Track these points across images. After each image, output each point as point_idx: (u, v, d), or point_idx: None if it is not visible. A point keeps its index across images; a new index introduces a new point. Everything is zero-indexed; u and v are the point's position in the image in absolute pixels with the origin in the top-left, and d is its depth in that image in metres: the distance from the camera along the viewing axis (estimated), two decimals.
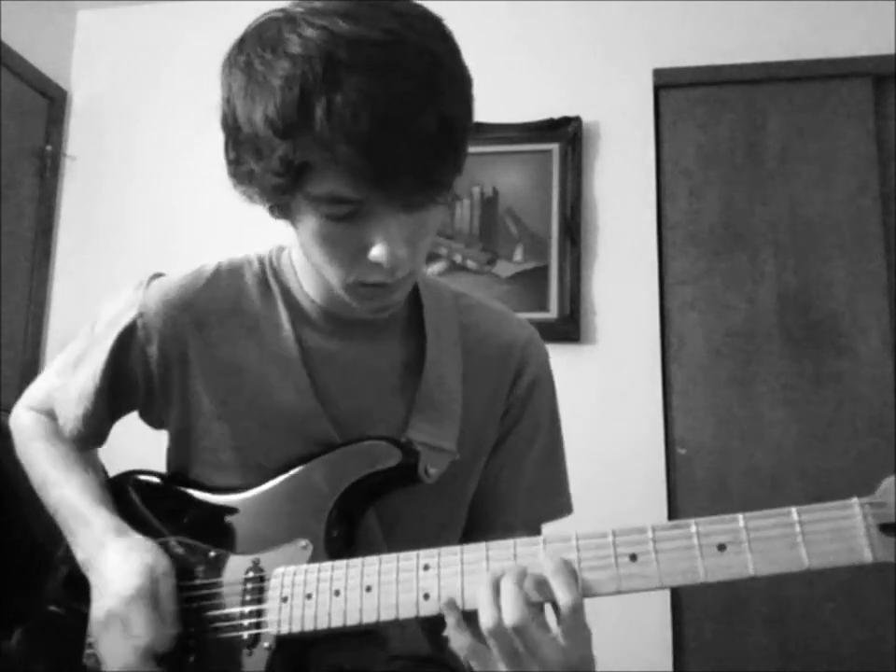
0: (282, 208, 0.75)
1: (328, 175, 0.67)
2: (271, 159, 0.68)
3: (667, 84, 2.63)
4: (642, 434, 2.43)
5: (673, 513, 2.39)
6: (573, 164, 2.59)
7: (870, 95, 2.52)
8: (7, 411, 1.07)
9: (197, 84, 2.92)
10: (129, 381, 0.89)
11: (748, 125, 2.58)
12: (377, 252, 0.71)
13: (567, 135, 2.60)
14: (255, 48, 0.69)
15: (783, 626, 2.29)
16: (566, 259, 2.53)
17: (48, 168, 2.92)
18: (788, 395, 2.41)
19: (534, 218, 2.59)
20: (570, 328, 2.48)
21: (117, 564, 0.81)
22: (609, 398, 2.46)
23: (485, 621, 0.64)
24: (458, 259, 2.61)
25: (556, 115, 2.61)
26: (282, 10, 0.71)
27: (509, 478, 0.92)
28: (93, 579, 0.83)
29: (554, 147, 2.61)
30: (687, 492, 2.41)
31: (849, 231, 2.46)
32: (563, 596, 0.63)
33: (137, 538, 0.85)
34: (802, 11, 2.57)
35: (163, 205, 2.88)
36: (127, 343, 0.87)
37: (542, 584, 0.65)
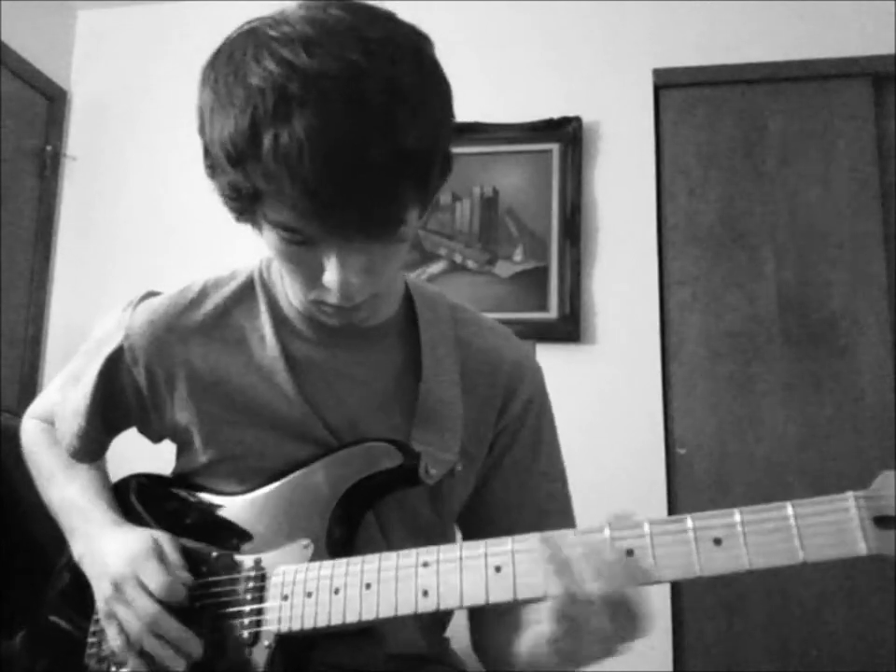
0: (245, 220, 0.76)
1: (277, 206, 0.68)
2: (224, 182, 0.70)
3: (667, 84, 2.63)
4: (642, 434, 2.44)
5: (673, 513, 2.39)
6: (573, 164, 2.59)
7: (870, 95, 2.52)
8: (9, 412, 1.07)
9: (197, 84, 2.93)
10: (120, 401, 0.90)
11: (748, 125, 2.58)
12: (327, 279, 0.71)
13: (567, 135, 2.60)
14: (223, 67, 0.69)
15: (783, 626, 2.29)
16: (566, 258, 2.53)
17: (48, 168, 2.92)
18: (788, 395, 2.41)
19: (534, 218, 2.59)
20: (570, 328, 2.48)
21: (116, 546, 0.82)
22: (608, 397, 2.46)
23: (597, 588, 0.61)
24: (458, 259, 2.61)
25: (556, 115, 2.61)
26: (255, 29, 0.69)
27: (512, 500, 0.92)
28: (90, 568, 0.84)
29: (554, 147, 2.61)
30: (687, 492, 2.41)
31: (849, 231, 2.46)
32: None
33: (135, 527, 0.86)
34: (801, 11, 2.57)
35: (163, 205, 2.88)
36: (115, 365, 0.89)
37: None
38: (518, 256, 2.57)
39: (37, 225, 2.91)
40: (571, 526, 0.95)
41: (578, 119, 2.60)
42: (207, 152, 0.73)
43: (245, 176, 0.67)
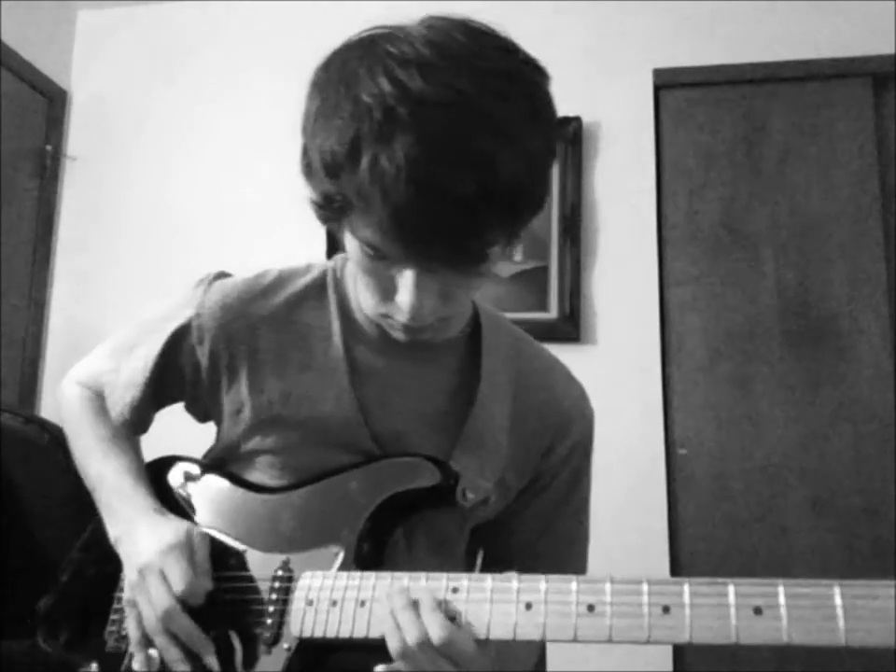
0: (330, 226, 0.77)
1: (364, 223, 0.68)
2: (317, 189, 0.71)
3: (667, 84, 2.63)
4: (642, 434, 2.43)
5: (673, 513, 2.40)
6: (573, 164, 2.59)
7: (870, 95, 2.52)
8: (9, 412, 1.07)
9: (197, 84, 2.93)
10: (177, 377, 0.91)
11: (748, 125, 2.58)
12: (401, 299, 0.72)
13: (567, 135, 2.60)
14: (336, 75, 0.69)
15: None
16: (566, 258, 2.53)
17: (48, 168, 2.92)
18: (788, 395, 2.41)
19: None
20: (570, 328, 2.48)
21: (150, 535, 0.83)
22: (608, 398, 2.45)
23: (411, 638, 0.67)
24: None
25: (556, 115, 2.61)
26: (375, 40, 0.68)
27: (534, 529, 0.93)
28: (126, 551, 0.85)
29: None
30: (687, 492, 2.41)
31: (849, 231, 2.46)
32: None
33: (174, 517, 0.87)
34: (802, 11, 2.57)
35: (163, 205, 2.88)
36: (180, 340, 0.89)
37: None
38: (518, 256, 2.57)
39: (37, 225, 2.91)
40: (582, 565, 0.97)
41: (578, 119, 2.60)
42: (305, 153, 0.73)
43: (339, 188, 0.67)
